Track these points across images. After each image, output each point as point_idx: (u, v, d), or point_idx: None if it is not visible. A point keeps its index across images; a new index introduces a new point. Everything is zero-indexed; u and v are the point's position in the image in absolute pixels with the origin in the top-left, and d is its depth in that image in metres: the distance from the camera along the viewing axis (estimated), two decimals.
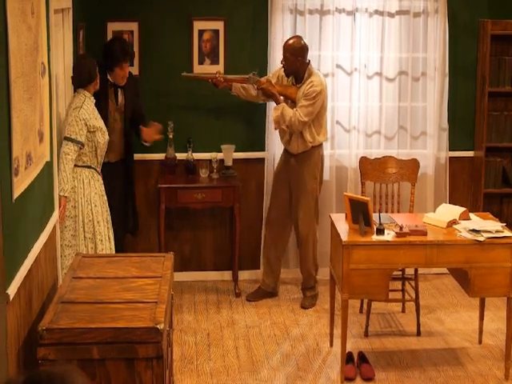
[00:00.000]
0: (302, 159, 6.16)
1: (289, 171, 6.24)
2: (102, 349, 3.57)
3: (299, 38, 6.14)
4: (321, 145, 6.22)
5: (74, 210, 5.27)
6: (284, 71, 6.12)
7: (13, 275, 3.47)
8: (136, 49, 6.46)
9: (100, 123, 5.38)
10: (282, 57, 6.08)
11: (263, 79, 6.16)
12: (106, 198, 5.49)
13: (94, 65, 5.39)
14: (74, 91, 5.47)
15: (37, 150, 3.99)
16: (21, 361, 3.61)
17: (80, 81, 5.35)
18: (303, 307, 6.23)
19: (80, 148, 5.24)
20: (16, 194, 3.50)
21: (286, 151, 6.27)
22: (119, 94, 6.07)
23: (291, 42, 6.06)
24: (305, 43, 6.10)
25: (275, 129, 6.18)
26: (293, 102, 6.09)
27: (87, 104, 5.30)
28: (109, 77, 5.97)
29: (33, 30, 3.90)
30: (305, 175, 6.16)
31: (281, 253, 6.44)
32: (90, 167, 5.37)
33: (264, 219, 6.55)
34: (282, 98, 6.10)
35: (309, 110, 5.98)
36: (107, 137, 5.45)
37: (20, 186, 3.59)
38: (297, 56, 6.02)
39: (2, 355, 3.27)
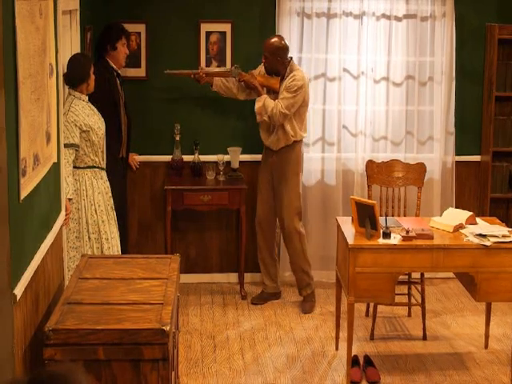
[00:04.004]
0: (284, 156, 6.16)
1: (271, 169, 6.23)
2: (107, 350, 3.58)
3: (280, 37, 6.16)
4: (301, 141, 6.23)
5: (78, 213, 5.26)
6: (264, 69, 6.15)
7: (19, 275, 3.47)
8: (143, 50, 6.48)
9: (92, 121, 5.27)
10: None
11: (245, 73, 6.18)
12: (110, 195, 5.45)
13: (88, 64, 5.25)
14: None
15: (44, 150, 3.99)
16: (27, 361, 3.62)
17: (71, 80, 5.20)
18: (304, 312, 6.19)
19: (76, 150, 5.21)
20: (23, 194, 3.51)
21: (266, 149, 6.27)
22: (121, 86, 6.11)
23: (271, 41, 6.09)
24: (285, 43, 6.12)
25: (258, 120, 6.16)
26: (275, 93, 6.11)
27: (75, 105, 5.20)
28: (113, 64, 6.02)
29: (41, 31, 3.91)
30: (287, 172, 6.16)
31: (274, 252, 6.42)
32: (92, 167, 5.34)
33: None
34: (263, 90, 6.12)
35: (290, 102, 5.99)
36: (101, 132, 5.36)
37: (27, 186, 3.60)
38: (276, 56, 6.04)
39: (8, 355, 3.27)
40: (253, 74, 6.18)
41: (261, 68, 6.23)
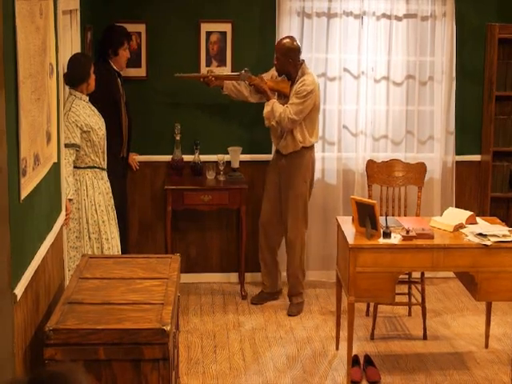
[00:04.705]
0: (293, 161, 6.11)
1: (279, 172, 6.19)
2: (108, 350, 3.58)
3: (292, 38, 6.11)
4: (312, 146, 6.19)
5: (78, 212, 5.26)
6: (276, 70, 6.13)
7: (20, 275, 3.47)
8: (143, 50, 6.49)
9: (92, 121, 5.27)
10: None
11: (255, 76, 6.16)
12: (111, 195, 5.45)
13: (88, 63, 5.26)
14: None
15: (44, 150, 3.99)
16: (27, 361, 3.62)
17: (71, 79, 5.19)
18: (290, 314, 6.15)
19: (77, 150, 5.21)
20: (24, 194, 3.51)
21: (277, 152, 6.24)
22: (122, 86, 6.12)
23: (283, 42, 6.05)
24: (297, 44, 6.08)
25: (266, 125, 6.14)
26: (286, 97, 6.07)
27: (76, 105, 5.21)
28: (114, 66, 6.04)
29: (41, 31, 3.91)
30: (295, 178, 6.11)
31: (276, 254, 6.40)
32: (93, 167, 5.34)
33: None
34: (274, 94, 6.09)
35: (299, 108, 5.95)
36: (101, 133, 5.36)
37: (27, 186, 3.60)
38: (288, 57, 6.00)
39: (8, 355, 3.27)
40: (262, 77, 6.14)
41: (272, 72, 6.20)
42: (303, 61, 6.12)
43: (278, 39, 6.38)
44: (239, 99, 6.31)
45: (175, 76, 6.19)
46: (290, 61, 6.01)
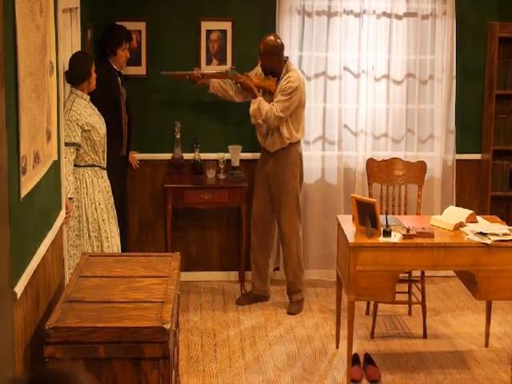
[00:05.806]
0: (280, 158, 6.12)
1: (268, 171, 6.19)
2: (108, 348, 3.57)
3: (275, 36, 6.14)
4: (298, 142, 6.19)
5: (78, 211, 5.26)
6: (261, 69, 6.14)
7: (20, 274, 3.47)
8: (143, 49, 6.48)
9: (93, 120, 5.27)
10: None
11: (241, 74, 6.16)
12: (111, 193, 5.45)
13: (89, 62, 5.27)
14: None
15: (44, 148, 3.99)
16: (27, 359, 3.62)
17: (72, 77, 5.20)
18: (290, 313, 6.14)
19: (77, 149, 5.21)
20: (24, 192, 3.50)
21: (263, 150, 6.24)
22: (122, 85, 6.12)
23: (266, 40, 6.06)
24: (281, 41, 6.09)
25: (253, 123, 6.14)
26: (271, 94, 6.08)
27: (77, 104, 5.21)
28: (114, 65, 6.05)
29: (41, 29, 3.90)
30: (284, 174, 6.12)
31: (268, 255, 6.39)
32: (93, 166, 5.33)
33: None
34: (259, 91, 6.10)
35: (285, 105, 5.96)
36: (102, 132, 5.36)
37: (27, 184, 3.59)
38: (271, 54, 6.02)
39: (9, 353, 3.27)
40: (249, 75, 6.15)
41: (257, 69, 6.21)
42: (287, 58, 6.13)
43: None
44: (225, 98, 6.31)
45: (161, 74, 6.20)
46: (274, 58, 6.03)
